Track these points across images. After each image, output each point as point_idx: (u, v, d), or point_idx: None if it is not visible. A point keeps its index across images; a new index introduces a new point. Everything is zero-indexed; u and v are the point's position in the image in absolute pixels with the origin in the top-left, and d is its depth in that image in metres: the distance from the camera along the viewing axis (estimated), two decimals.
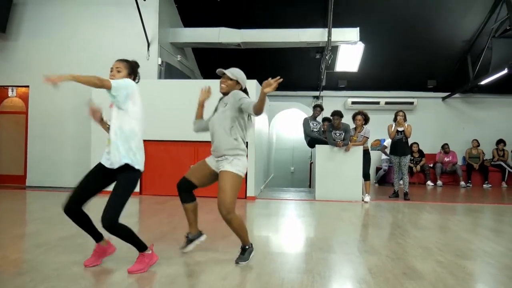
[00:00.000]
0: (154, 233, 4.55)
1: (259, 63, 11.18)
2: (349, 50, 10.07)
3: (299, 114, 12.35)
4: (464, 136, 12.13)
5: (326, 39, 9.16)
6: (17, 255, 3.52)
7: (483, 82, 10.19)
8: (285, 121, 13.12)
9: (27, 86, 9.22)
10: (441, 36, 10.30)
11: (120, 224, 3.04)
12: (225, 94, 3.53)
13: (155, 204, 6.84)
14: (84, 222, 3.22)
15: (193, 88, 8.23)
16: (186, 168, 8.02)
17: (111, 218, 2.97)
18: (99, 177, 3.19)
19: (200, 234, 3.73)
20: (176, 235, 4.36)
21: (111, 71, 3.31)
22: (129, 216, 5.93)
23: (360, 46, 9.73)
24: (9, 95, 9.41)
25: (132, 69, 3.38)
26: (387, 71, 11.44)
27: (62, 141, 8.94)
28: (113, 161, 3.09)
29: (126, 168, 3.07)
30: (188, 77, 10.63)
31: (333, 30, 9.07)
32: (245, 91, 3.58)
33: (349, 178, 7.64)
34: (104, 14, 8.95)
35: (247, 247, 3.46)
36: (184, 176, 3.61)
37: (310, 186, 11.26)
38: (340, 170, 7.68)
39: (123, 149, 3.07)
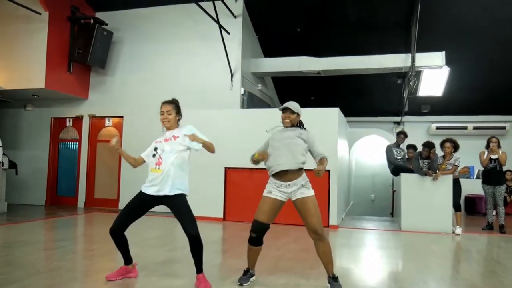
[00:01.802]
0: (243, 261, 4.65)
1: (337, 90, 11.20)
2: (433, 74, 9.78)
3: (379, 140, 12.07)
4: None
5: (409, 65, 8.99)
6: (121, 280, 3.77)
7: None
8: (365, 148, 12.87)
9: (121, 117, 9.99)
10: None
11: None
12: (287, 127, 3.70)
13: (239, 231, 6.98)
14: (123, 244, 3.73)
15: (273, 116, 8.45)
16: None
17: (197, 230, 3.45)
18: (143, 205, 3.66)
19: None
20: (265, 265, 4.42)
21: (162, 114, 3.66)
22: (215, 243, 6.15)
23: (446, 70, 9.39)
24: (106, 125, 10.24)
25: (178, 109, 3.73)
26: (475, 94, 10.87)
27: None
28: (167, 191, 3.53)
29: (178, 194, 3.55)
30: (268, 105, 10.88)
31: (417, 55, 8.86)
32: (300, 122, 3.79)
33: (438, 209, 7.29)
34: (192, 48, 9.51)
35: (336, 275, 3.53)
36: (262, 222, 3.55)
37: (392, 215, 10.87)
38: (428, 199, 7.36)
39: (178, 182, 3.56)
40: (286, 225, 7.47)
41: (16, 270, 3.89)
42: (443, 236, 6.89)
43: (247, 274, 3.71)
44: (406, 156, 8.53)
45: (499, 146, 7.71)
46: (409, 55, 8.95)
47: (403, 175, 7.68)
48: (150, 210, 3.68)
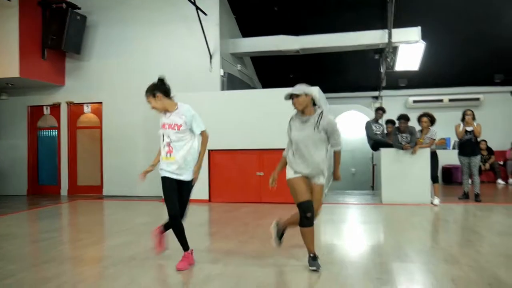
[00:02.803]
0: (230, 243, 4.77)
1: (316, 68, 11.27)
2: (410, 50, 9.92)
3: (359, 115, 12.27)
4: None
5: (386, 41, 9.10)
6: (114, 268, 3.83)
7: None
8: (345, 123, 13.06)
9: (100, 103, 9.88)
10: (507, 28, 9.87)
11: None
12: (301, 111, 3.64)
13: (225, 212, 7.11)
14: (181, 230, 3.74)
15: (254, 97, 8.52)
16: (252, 175, 8.33)
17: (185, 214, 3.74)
18: (176, 187, 3.74)
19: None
20: (251, 245, 4.55)
21: (150, 104, 3.75)
22: (204, 224, 6.26)
23: (421, 45, 9.55)
24: (85, 112, 10.11)
25: (161, 91, 3.76)
26: (450, 67, 11.11)
27: (134, 152, 9.49)
28: (185, 177, 3.69)
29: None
30: (248, 85, 10.90)
31: (394, 31, 8.98)
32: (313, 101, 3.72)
33: (416, 181, 7.54)
34: (169, 31, 9.41)
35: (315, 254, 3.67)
36: (307, 200, 3.56)
37: (373, 188, 11.16)
38: (407, 173, 7.59)
39: (192, 166, 3.72)
40: (271, 204, 7.63)
41: (8, 265, 3.92)
42: (422, 207, 7.16)
43: (316, 258, 3.63)
44: (385, 131, 8.74)
45: (474, 118, 7.94)
46: (386, 31, 9.06)
47: (382, 150, 7.88)
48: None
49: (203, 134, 3.82)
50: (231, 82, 9.44)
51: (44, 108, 10.31)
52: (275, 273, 3.58)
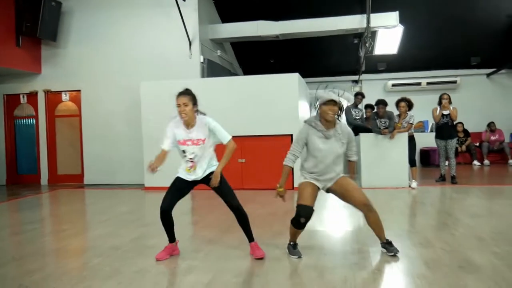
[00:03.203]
0: (213, 232, 4.84)
1: (296, 53, 11.30)
2: (388, 34, 10.01)
3: (338, 99, 12.34)
4: (511, 113, 11.81)
5: (364, 26, 9.15)
6: (98, 258, 3.87)
7: None
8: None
9: (79, 90, 9.74)
10: (484, 12, 10.05)
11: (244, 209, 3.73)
12: (330, 121, 3.57)
13: (206, 199, 7.15)
14: (170, 224, 3.80)
15: (235, 84, 8.52)
16: (233, 162, 8.37)
17: (236, 200, 3.70)
18: (187, 186, 3.77)
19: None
20: (234, 234, 4.62)
21: (178, 107, 3.61)
22: (185, 214, 6.30)
23: (400, 29, 9.64)
24: (63, 100, 9.97)
25: (194, 100, 3.70)
26: (428, 50, 11.26)
27: (114, 139, 9.44)
28: (199, 176, 3.71)
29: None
30: (229, 71, 10.87)
31: (372, 15, 9.03)
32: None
33: (395, 165, 7.71)
34: (147, 16, 9.29)
35: (390, 240, 3.74)
36: (308, 205, 3.54)
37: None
38: (386, 157, 7.75)
39: (207, 167, 3.73)
40: (253, 190, 7.72)
41: None
42: (400, 191, 7.34)
43: (296, 246, 3.80)
44: (365, 116, 8.86)
45: (450, 102, 8.11)
46: (365, 16, 9.10)
47: (361, 135, 8.00)
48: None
49: (230, 143, 3.71)
50: (211, 69, 9.39)
51: (21, 96, 10.13)
52: (254, 262, 3.65)
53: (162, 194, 3.70)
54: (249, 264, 3.60)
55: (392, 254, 3.65)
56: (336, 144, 3.59)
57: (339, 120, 3.69)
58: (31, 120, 10.22)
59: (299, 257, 3.70)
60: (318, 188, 3.68)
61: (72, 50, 9.66)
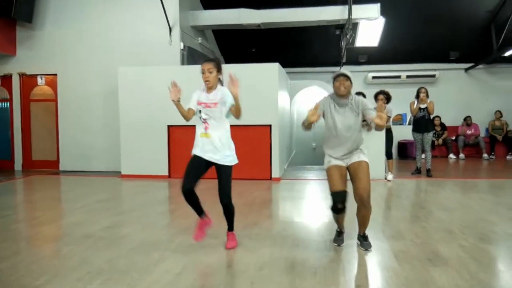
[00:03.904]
0: (190, 220, 4.82)
1: (278, 42, 11.25)
2: (370, 26, 10.03)
3: (319, 91, 12.39)
4: (487, 107, 12.05)
5: (346, 17, 9.14)
6: (68, 247, 3.82)
7: (507, 54, 10.05)
8: (306, 98, 13.17)
9: (55, 74, 9.53)
10: (464, 7, 10.16)
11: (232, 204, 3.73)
12: (343, 95, 3.61)
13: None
14: (196, 200, 3.73)
15: None
16: None
17: (229, 199, 3.68)
18: (204, 165, 3.67)
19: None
20: (214, 223, 4.61)
21: (203, 73, 3.60)
22: (162, 203, 6.27)
23: (381, 21, 9.67)
24: (38, 84, 9.73)
25: (219, 67, 3.68)
26: (408, 44, 11.35)
27: (92, 126, 9.28)
28: (218, 157, 3.62)
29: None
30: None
31: (354, 7, 9.03)
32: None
33: (371, 157, 7.64)
34: (127, 1, 9.08)
35: (366, 235, 3.80)
36: (341, 190, 3.56)
37: None
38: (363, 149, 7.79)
39: (228, 148, 3.65)
40: (232, 179, 7.70)
41: None
42: (376, 183, 7.41)
43: (341, 235, 3.88)
44: None
45: (427, 96, 8.20)
46: (346, 7, 9.09)
47: None
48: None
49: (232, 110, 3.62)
50: (191, 56, 9.29)
51: None
52: (227, 253, 3.66)
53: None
54: (222, 255, 3.60)
55: (364, 249, 3.71)
56: (350, 115, 3.61)
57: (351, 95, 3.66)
58: (5, 104, 9.95)
59: (338, 245, 3.81)
60: (346, 168, 3.68)
61: (49, 32, 9.41)
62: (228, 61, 12.17)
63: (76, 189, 7.39)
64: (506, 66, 11.93)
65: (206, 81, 3.60)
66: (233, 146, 3.72)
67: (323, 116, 3.70)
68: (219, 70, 3.67)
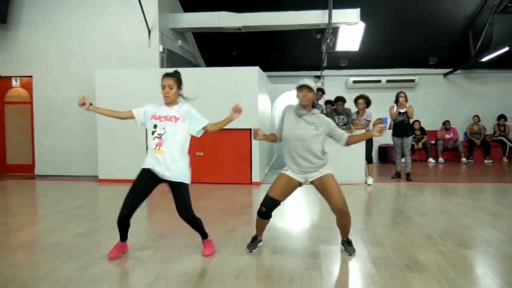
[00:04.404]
0: (165, 226, 4.71)
1: (259, 46, 11.21)
2: (350, 30, 10.06)
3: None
4: (465, 112, 12.20)
5: (326, 21, 9.14)
6: (37, 256, 3.68)
7: (484, 59, 10.20)
8: (287, 102, 13.17)
9: (31, 76, 9.29)
10: (442, 13, 10.27)
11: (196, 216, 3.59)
12: (306, 106, 3.58)
13: (162, 194, 6.95)
14: (127, 226, 3.59)
15: (196, 76, 8.34)
16: (192, 155, 8.16)
17: (190, 213, 3.53)
18: (151, 183, 3.53)
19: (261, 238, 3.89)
20: (187, 230, 4.52)
21: (163, 88, 3.48)
22: (140, 207, 6.11)
23: (361, 26, 9.71)
24: (13, 86, 9.48)
25: (180, 82, 3.59)
26: (388, 49, 11.43)
27: (68, 129, 9.06)
28: (169, 175, 3.47)
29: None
30: (190, 62, 10.66)
31: (334, 11, 9.05)
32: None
33: (352, 161, 7.76)
34: (104, 2, 8.94)
35: (350, 240, 3.76)
36: (273, 198, 3.58)
37: None
38: (343, 153, 7.70)
39: (182, 166, 3.50)
40: (211, 184, 7.61)
41: None
42: (356, 187, 7.42)
43: (256, 240, 3.80)
44: (325, 112, 8.89)
45: (406, 100, 8.25)
46: (326, 11, 9.10)
47: None
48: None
49: (209, 125, 3.62)
50: (171, 59, 9.15)
51: None
52: (202, 260, 3.56)
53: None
54: (196, 263, 3.50)
55: (348, 254, 3.67)
56: (309, 127, 3.55)
57: (319, 107, 3.65)
58: None
59: (250, 251, 3.72)
60: (299, 183, 3.63)
61: (24, 33, 9.17)
62: (209, 64, 12.07)
63: (51, 194, 7.19)
64: (483, 71, 12.12)
65: (166, 97, 3.49)
66: (188, 162, 3.59)
67: (283, 126, 3.69)
68: (179, 86, 3.58)
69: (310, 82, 3.60)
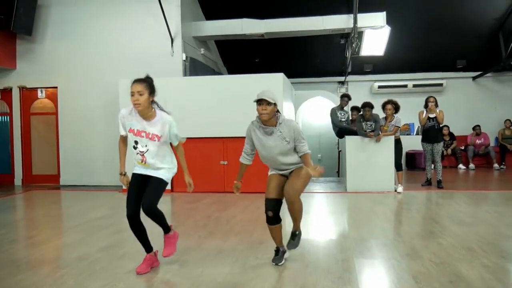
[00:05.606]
0: (191, 238, 4.58)
1: (282, 52, 11.08)
2: (375, 34, 9.86)
3: (324, 101, 12.23)
4: (496, 116, 11.80)
5: (351, 26, 8.97)
6: (63, 270, 3.58)
7: None
8: (311, 109, 12.99)
9: (56, 87, 9.37)
10: (471, 15, 9.96)
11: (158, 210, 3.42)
12: (266, 121, 3.37)
13: (187, 203, 6.91)
14: (141, 230, 3.49)
15: (217, 83, 8.27)
16: (216, 164, 8.11)
17: (152, 204, 3.34)
18: (144, 184, 3.45)
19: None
20: (212, 241, 4.38)
21: (132, 95, 3.28)
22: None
23: (386, 30, 9.49)
24: (39, 97, 9.58)
25: (152, 88, 3.37)
26: (415, 52, 11.15)
27: (93, 139, 9.10)
28: (154, 174, 3.45)
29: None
30: (212, 70, 10.60)
31: (359, 15, 8.85)
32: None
33: (381, 169, 7.53)
34: (127, 12, 8.98)
35: (297, 232, 3.64)
36: (274, 198, 3.48)
37: (338, 175, 11.17)
38: (372, 160, 7.56)
39: (167, 167, 3.49)
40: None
41: None
42: (386, 196, 7.17)
43: (279, 252, 3.64)
44: (350, 118, 8.68)
45: (436, 105, 7.97)
46: (351, 16, 8.92)
47: (347, 138, 7.82)
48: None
49: (180, 145, 3.59)
50: (193, 67, 9.11)
51: None
52: (233, 273, 3.41)
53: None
54: (226, 276, 3.35)
55: (287, 248, 3.65)
56: (279, 142, 3.39)
57: (281, 117, 3.42)
58: (5, 118, 9.81)
59: (276, 264, 3.57)
60: (286, 177, 3.56)
61: (49, 45, 9.27)
62: (232, 71, 12.00)
63: (76, 205, 7.17)
64: None
65: (136, 104, 3.25)
66: (174, 159, 3.56)
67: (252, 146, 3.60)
68: (151, 92, 3.33)
69: (268, 94, 3.30)
